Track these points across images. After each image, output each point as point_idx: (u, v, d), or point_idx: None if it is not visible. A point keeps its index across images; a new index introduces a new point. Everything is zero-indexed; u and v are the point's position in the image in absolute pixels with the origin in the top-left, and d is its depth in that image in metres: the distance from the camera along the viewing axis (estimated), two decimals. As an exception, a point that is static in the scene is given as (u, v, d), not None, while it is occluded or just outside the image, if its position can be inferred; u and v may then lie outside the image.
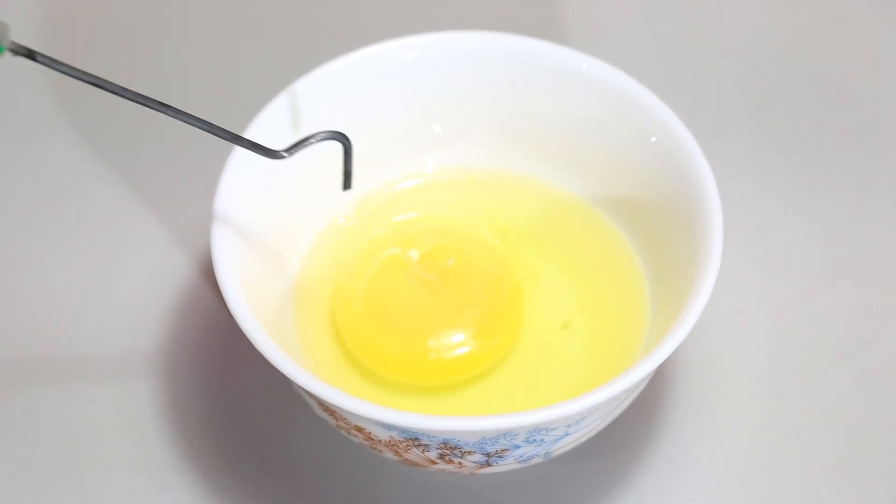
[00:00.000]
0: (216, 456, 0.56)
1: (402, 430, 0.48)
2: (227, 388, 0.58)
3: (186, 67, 0.71)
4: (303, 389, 0.49)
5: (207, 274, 0.62)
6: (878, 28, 0.73)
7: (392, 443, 0.49)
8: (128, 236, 0.64)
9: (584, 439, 0.51)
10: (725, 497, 0.55)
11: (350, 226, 0.59)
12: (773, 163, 0.66)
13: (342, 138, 0.51)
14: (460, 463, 0.50)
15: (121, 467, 0.56)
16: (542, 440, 0.49)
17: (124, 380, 0.59)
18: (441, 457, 0.49)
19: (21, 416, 0.58)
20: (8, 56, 0.43)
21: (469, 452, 0.49)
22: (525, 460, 0.50)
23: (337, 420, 0.50)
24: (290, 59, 0.70)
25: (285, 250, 0.57)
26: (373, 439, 0.50)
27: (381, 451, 0.51)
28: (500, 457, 0.49)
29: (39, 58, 0.44)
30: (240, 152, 0.53)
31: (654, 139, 0.55)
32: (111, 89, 0.46)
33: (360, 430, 0.49)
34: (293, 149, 0.50)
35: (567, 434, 0.49)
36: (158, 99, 0.46)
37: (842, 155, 0.67)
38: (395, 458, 0.51)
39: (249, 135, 0.54)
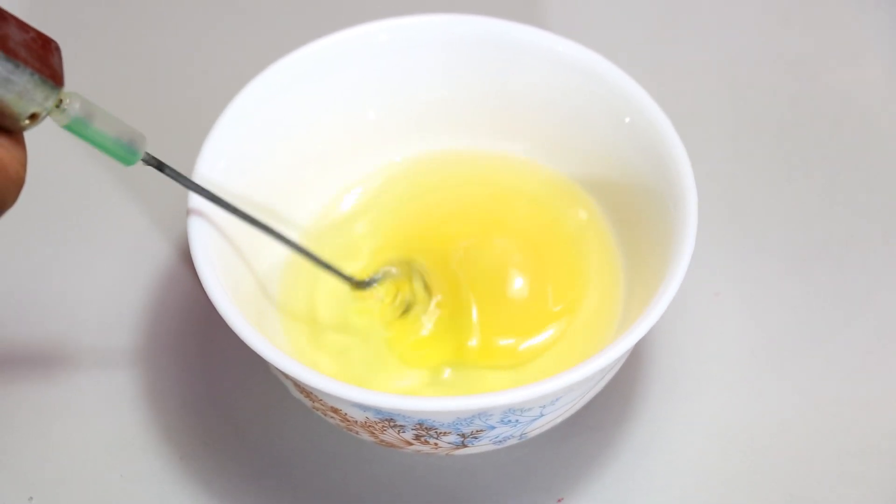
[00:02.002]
0: (194, 438, 0.57)
1: (377, 411, 0.48)
2: (205, 371, 0.58)
3: (163, 54, 0.71)
4: (279, 371, 0.49)
5: (185, 257, 0.62)
6: (853, 15, 0.73)
7: (368, 424, 0.49)
8: (105, 219, 0.64)
9: (559, 420, 0.51)
10: (701, 478, 0.56)
11: (330, 211, 0.59)
12: (749, 146, 0.67)
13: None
14: (436, 444, 0.50)
15: (99, 448, 0.56)
16: (517, 421, 0.49)
17: (102, 362, 0.59)
18: (417, 438, 0.50)
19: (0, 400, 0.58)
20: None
21: (444, 433, 0.49)
22: (500, 441, 0.50)
23: (313, 402, 0.50)
24: (265, 44, 0.70)
25: (262, 237, 0.57)
26: (349, 420, 0.50)
27: (357, 433, 0.51)
28: (476, 438, 0.49)
29: (167, 170, 0.47)
30: (217, 134, 0.53)
31: (628, 119, 0.55)
32: (227, 208, 0.50)
33: (336, 411, 0.50)
34: (364, 284, 0.55)
35: (542, 415, 0.49)
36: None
37: (817, 139, 0.67)
38: (372, 439, 0.51)
39: (225, 119, 0.54)
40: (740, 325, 0.60)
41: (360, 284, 0.55)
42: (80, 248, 0.63)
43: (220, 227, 0.52)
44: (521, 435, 0.51)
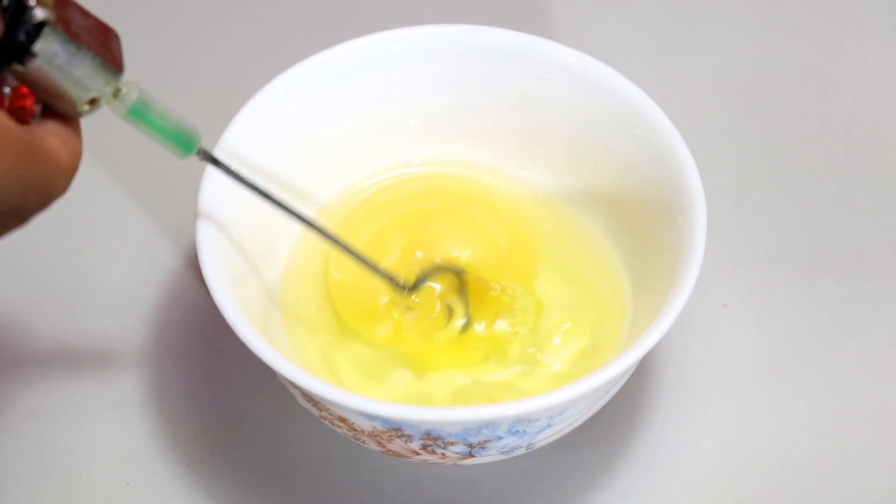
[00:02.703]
0: (201, 446, 0.56)
1: (384, 421, 0.48)
2: (212, 379, 0.58)
3: (175, 61, 0.71)
4: (286, 380, 0.49)
5: (193, 265, 0.62)
6: (862, 23, 0.73)
7: (375, 433, 0.49)
8: (113, 226, 0.64)
9: (567, 431, 0.51)
10: (709, 489, 0.55)
11: (337, 218, 0.59)
12: (757, 156, 0.66)
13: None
14: (443, 454, 0.50)
15: (106, 456, 0.56)
16: (524, 431, 0.49)
17: (109, 370, 0.59)
18: (424, 447, 0.49)
19: (5, 406, 0.58)
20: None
21: (452, 443, 0.49)
22: (508, 451, 0.50)
23: (321, 410, 0.50)
24: (277, 52, 0.70)
25: (273, 242, 0.57)
26: (356, 430, 0.50)
27: (364, 442, 0.51)
28: (483, 448, 0.49)
29: (221, 165, 0.48)
30: (226, 142, 0.53)
31: (637, 132, 0.55)
32: (282, 206, 0.50)
33: (343, 420, 0.49)
34: (414, 287, 0.55)
35: (550, 426, 0.49)
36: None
37: (826, 148, 0.67)
38: (379, 448, 0.51)
39: (235, 126, 0.54)
40: (748, 335, 0.60)
41: (404, 288, 0.54)
42: (86, 255, 0.63)
43: (229, 234, 0.52)
44: (528, 445, 0.50)
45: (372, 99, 0.59)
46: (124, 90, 0.42)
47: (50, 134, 0.39)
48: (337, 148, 0.59)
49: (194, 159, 0.47)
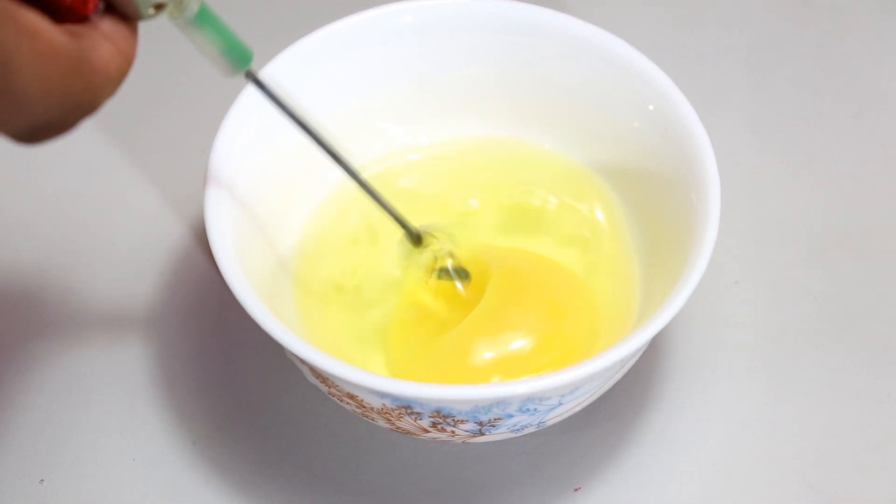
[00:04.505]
0: (207, 422, 0.56)
1: (394, 398, 0.47)
2: (219, 354, 0.58)
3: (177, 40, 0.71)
4: (294, 356, 0.48)
5: (200, 237, 0.61)
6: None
7: (384, 410, 0.49)
8: (119, 198, 0.63)
9: (578, 409, 0.51)
10: (719, 468, 0.55)
11: (350, 186, 0.59)
12: (770, 132, 0.66)
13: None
14: (453, 432, 0.49)
15: (112, 431, 0.56)
16: (535, 409, 0.48)
17: (116, 344, 0.58)
18: (434, 425, 0.49)
19: (12, 380, 0.57)
20: None
21: (462, 421, 0.48)
22: (518, 429, 0.50)
23: (329, 387, 0.50)
24: (286, 24, 0.69)
25: (282, 215, 0.57)
26: (365, 407, 0.49)
27: (373, 419, 0.50)
28: (493, 426, 0.49)
29: (266, 89, 0.47)
30: (236, 113, 0.53)
31: (651, 107, 0.54)
32: (324, 145, 0.49)
33: (352, 397, 0.49)
34: (419, 237, 0.54)
35: (561, 404, 0.49)
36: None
37: (840, 125, 0.66)
38: (388, 426, 0.50)
39: (243, 100, 0.53)
40: (759, 313, 0.59)
41: (417, 237, 0.54)
42: (92, 229, 0.62)
43: (239, 204, 0.52)
44: (539, 423, 0.50)
45: (379, 75, 0.58)
46: (190, 2, 0.41)
47: (103, 39, 0.38)
48: (345, 125, 0.58)
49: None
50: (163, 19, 0.41)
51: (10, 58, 0.33)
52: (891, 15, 0.71)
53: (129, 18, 0.39)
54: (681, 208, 0.52)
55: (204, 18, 0.42)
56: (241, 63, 0.44)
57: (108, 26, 0.38)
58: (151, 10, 0.40)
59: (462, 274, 0.55)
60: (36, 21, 0.34)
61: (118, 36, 0.39)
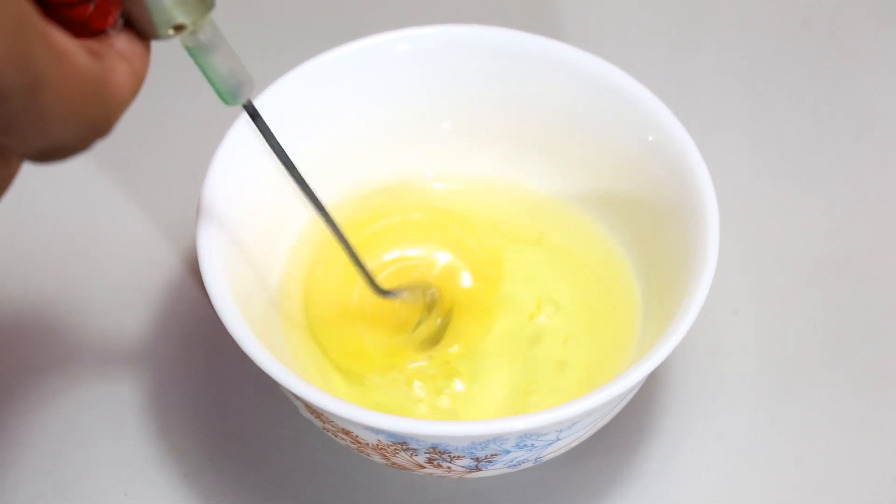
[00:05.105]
0: (200, 455, 0.56)
1: (389, 434, 0.47)
2: (211, 386, 0.57)
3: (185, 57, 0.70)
4: (289, 391, 0.48)
5: (192, 267, 0.61)
6: (877, 19, 0.72)
7: (380, 446, 0.48)
8: (110, 227, 0.63)
9: (575, 444, 0.51)
10: (718, 499, 0.55)
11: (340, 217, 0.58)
12: (769, 158, 0.66)
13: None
14: (449, 467, 0.49)
15: (103, 465, 0.55)
16: (532, 445, 0.48)
17: (107, 376, 0.58)
18: (430, 461, 0.49)
19: (0, 412, 0.57)
20: None
21: (458, 457, 0.48)
22: (515, 465, 0.50)
23: (324, 422, 0.49)
24: (283, 52, 0.69)
25: (274, 245, 0.56)
26: (360, 442, 0.49)
27: (368, 455, 0.50)
28: (490, 462, 0.49)
29: (259, 122, 0.46)
30: (228, 144, 0.52)
31: (651, 138, 0.54)
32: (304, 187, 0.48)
33: (347, 433, 0.49)
34: (391, 294, 0.53)
35: (558, 439, 0.49)
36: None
37: (839, 150, 0.66)
38: (383, 461, 0.50)
39: (239, 126, 0.53)
40: (759, 343, 0.59)
41: (384, 293, 0.53)
42: (83, 257, 0.62)
43: (230, 237, 0.51)
44: (536, 459, 0.50)
45: (377, 101, 0.58)
46: (205, 25, 0.41)
47: (119, 60, 0.37)
48: (338, 152, 0.58)
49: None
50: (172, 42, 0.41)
51: (43, 77, 0.33)
52: (891, 34, 0.71)
53: (144, 37, 0.39)
54: (679, 240, 0.52)
55: (216, 42, 0.41)
56: (244, 90, 0.43)
57: (123, 44, 0.38)
58: (171, 31, 0.39)
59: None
60: (66, 43, 0.34)
61: (133, 55, 0.38)
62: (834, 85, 0.69)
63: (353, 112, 0.57)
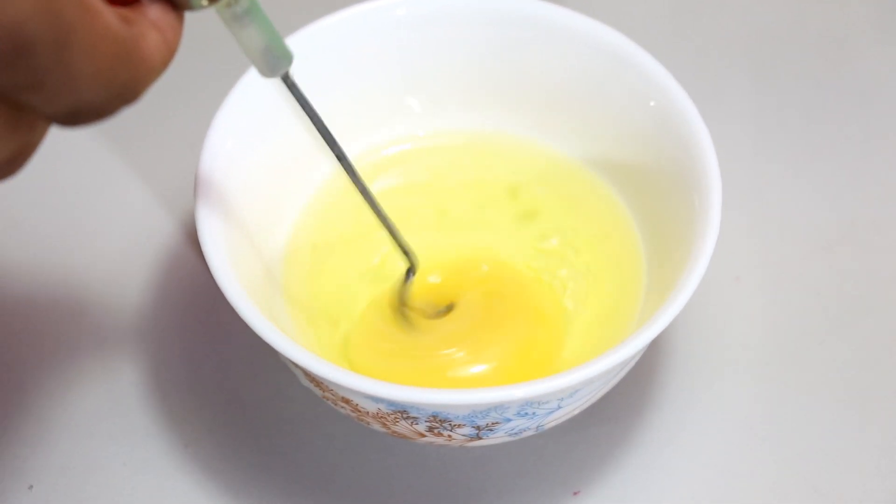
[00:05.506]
0: (199, 425, 0.55)
1: (390, 403, 0.47)
2: (210, 355, 0.57)
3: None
4: (288, 359, 0.47)
5: (191, 235, 0.60)
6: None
7: (380, 415, 0.48)
8: (108, 197, 0.63)
9: (577, 411, 0.50)
10: (721, 470, 0.54)
11: (340, 189, 0.58)
12: (772, 125, 0.65)
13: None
14: (450, 436, 0.49)
15: (102, 435, 0.55)
16: (533, 413, 0.48)
17: (106, 347, 0.58)
18: (430, 430, 0.48)
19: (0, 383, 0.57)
20: None
21: (459, 426, 0.48)
22: (516, 433, 0.49)
23: (323, 391, 0.49)
24: (279, 17, 0.68)
25: (274, 213, 0.56)
26: (360, 411, 0.49)
27: (368, 423, 0.50)
28: (491, 430, 0.48)
29: (296, 91, 0.45)
30: (227, 111, 0.52)
31: (652, 103, 0.54)
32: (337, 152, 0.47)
33: (347, 401, 0.48)
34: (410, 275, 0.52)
35: (560, 407, 0.48)
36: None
37: (843, 119, 0.65)
38: (384, 430, 0.50)
39: (235, 95, 0.52)
40: (761, 310, 0.59)
41: (411, 272, 0.53)
42: (81, 227, 0.62)
43: (229, 207, 0.51)
44: (537, 427, 0.49)
45: (376, 67, 0.57)
46: None
47: (151, 28, 0.37)
48: (339, 118, 0.57)
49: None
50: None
51: (71, 31, 0.32)
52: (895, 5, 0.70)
53: (178, 7, 0.38)
54: (682, 206, 0.51)
55: (253, 14, 0.41)
56: (283, 63, 0.43)
57: (156, 13, 0.37)
58: (205, 2, 0.39)
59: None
60: (95, 1, 0.34)
61: (166, 25, 0.38)
62: (836, 54, 0.68)
63: (348, 79, 0.57)
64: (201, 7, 0.39)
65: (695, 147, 0.51)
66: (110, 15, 0.35)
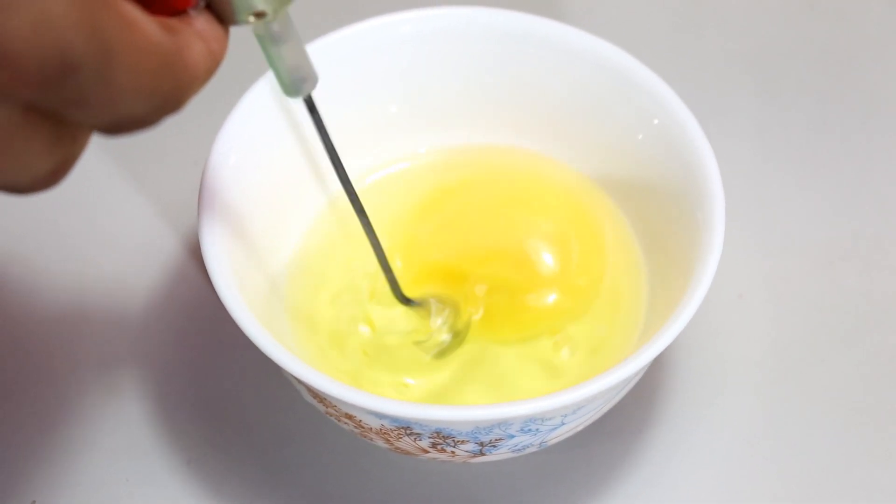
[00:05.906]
0: (202, 441, 0.55)
1: (393, 419, 0.47)
2: (213, 371, 0.57)
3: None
4: (291, 375, 0.47)
5: (194, 251, 0.60)
6: (883, 1, 0.71)
7: (383, 431, 0.48)
8: (111, 211, 0.63)
9: (580, 428, 0.50)
10: (725, 485, 0.54)
11: (345, 203, 0.58)
12: (775, 142, 0.65)
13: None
14: (453, 452, 0.49)
15: (104, 451, 0.55)
16: (537, 430, 0.48)
17: (108, 362, 0.58)
18: (433, 446, 0.48)
19: (2, 399, 0.56)
20: None
21: (462, 442, 0.48)
22: (520, 449, 0.49)
23: (327, 407, 0.49)
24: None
25: (278, 228, 0.56)
26: (363, 427, 0.48)
27: (371, 439, 0.50)
28: (495, 446, 0.48)
29: (315, 116, 0.46)
30: (231, 127, 0.52)
31: (656, 121, 0.54)
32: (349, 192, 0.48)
33: (350, 417, 0.48)
34: (413, 302, 0.54)
35: (563, 424, 0.48)
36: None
37: (846, 135, 0.65)
38: (387, 446, 0.50)
39: (239, 111, 0.52)
40: (765, 327, 0.59)
41: (406, 301, 0.54)
42: (84, 242, 0.62)
43: (232, 223, 0.51)
44: (540, 443, 0.49)
45: (380, 84, 0.57)
46: (281, 16, 0.41)
47: (195, 38, 0.37)
48: (342, 134, 0.57)
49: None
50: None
51: (113, 47, 0.32)
52: (896, 19, 0.71)
53: (224, 21, 0.39)
54: (685, 224, 0.51)
55: (288, 33, 0.41)
56: (308, 84, 0.44)
57: (202, 24, 0.38)
58: (251, 18, 0.39)
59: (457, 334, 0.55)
60: (135, 14, 0.34)
61: (211, 36, 0.38)
62: (840, 68, 0.68)
63: (353, 95, 0.57)
64: (246, 22, 0.40)
65: (698, 165, 0.51)
66: (152, 27, 0.35)
